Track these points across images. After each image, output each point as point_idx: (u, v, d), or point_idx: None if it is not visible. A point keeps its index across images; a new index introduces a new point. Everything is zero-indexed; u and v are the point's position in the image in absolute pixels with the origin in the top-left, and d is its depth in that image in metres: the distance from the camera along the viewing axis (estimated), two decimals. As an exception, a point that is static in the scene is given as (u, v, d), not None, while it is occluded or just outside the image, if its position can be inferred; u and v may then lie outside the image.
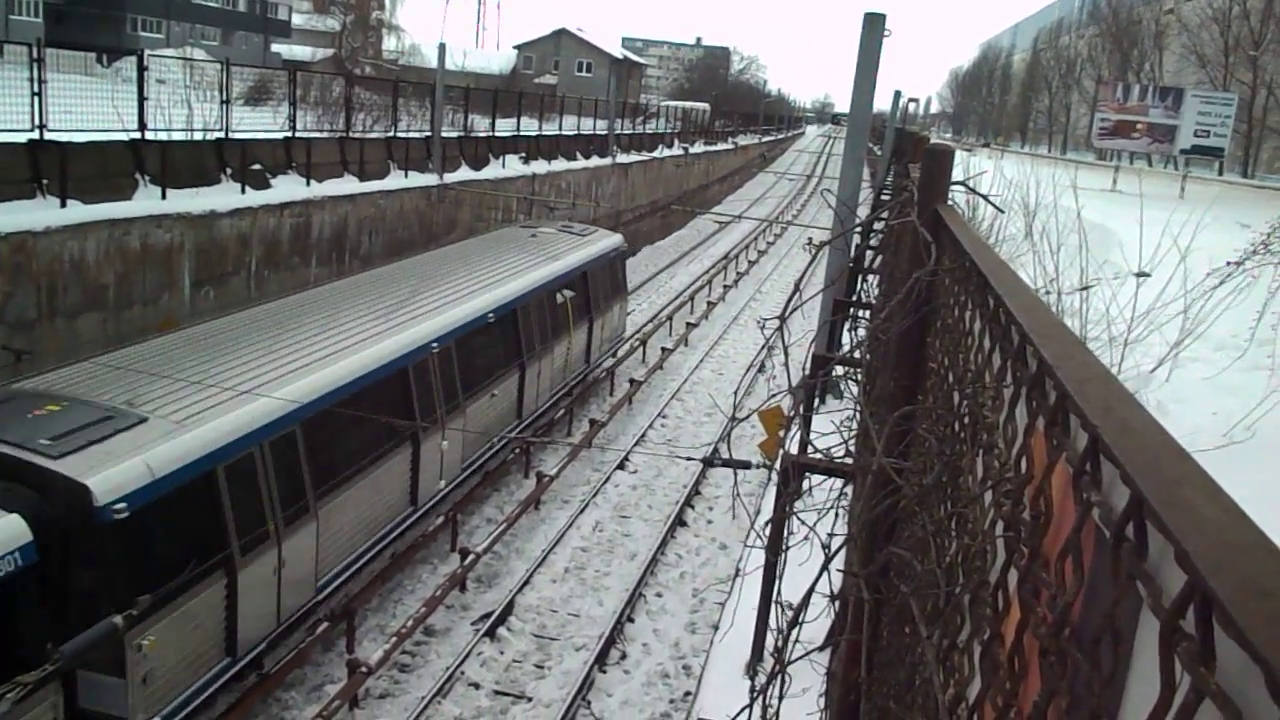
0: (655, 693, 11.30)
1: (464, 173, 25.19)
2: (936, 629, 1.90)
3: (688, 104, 71.17)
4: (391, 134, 23.62)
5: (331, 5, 71.52)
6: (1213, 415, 8.85)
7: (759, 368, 23.86)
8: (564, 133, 34.86)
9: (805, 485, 5.53)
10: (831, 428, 4.60)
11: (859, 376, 6.64)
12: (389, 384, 11.89)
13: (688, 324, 26.74)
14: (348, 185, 20.32)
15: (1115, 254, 13.17)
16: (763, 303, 31.89)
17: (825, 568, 2.81)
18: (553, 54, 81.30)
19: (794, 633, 2.84)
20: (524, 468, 16.44)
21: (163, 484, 8.06)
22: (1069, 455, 1.18)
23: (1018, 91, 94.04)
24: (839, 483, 5.22)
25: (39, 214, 13.22)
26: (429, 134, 24.40)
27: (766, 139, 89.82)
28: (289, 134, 19.50)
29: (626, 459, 17.47)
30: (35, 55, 13.88)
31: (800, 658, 2.90)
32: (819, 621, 3.12)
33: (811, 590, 2.73)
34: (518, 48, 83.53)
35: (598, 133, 37.32)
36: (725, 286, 33.18)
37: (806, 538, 3.26)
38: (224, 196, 16.68)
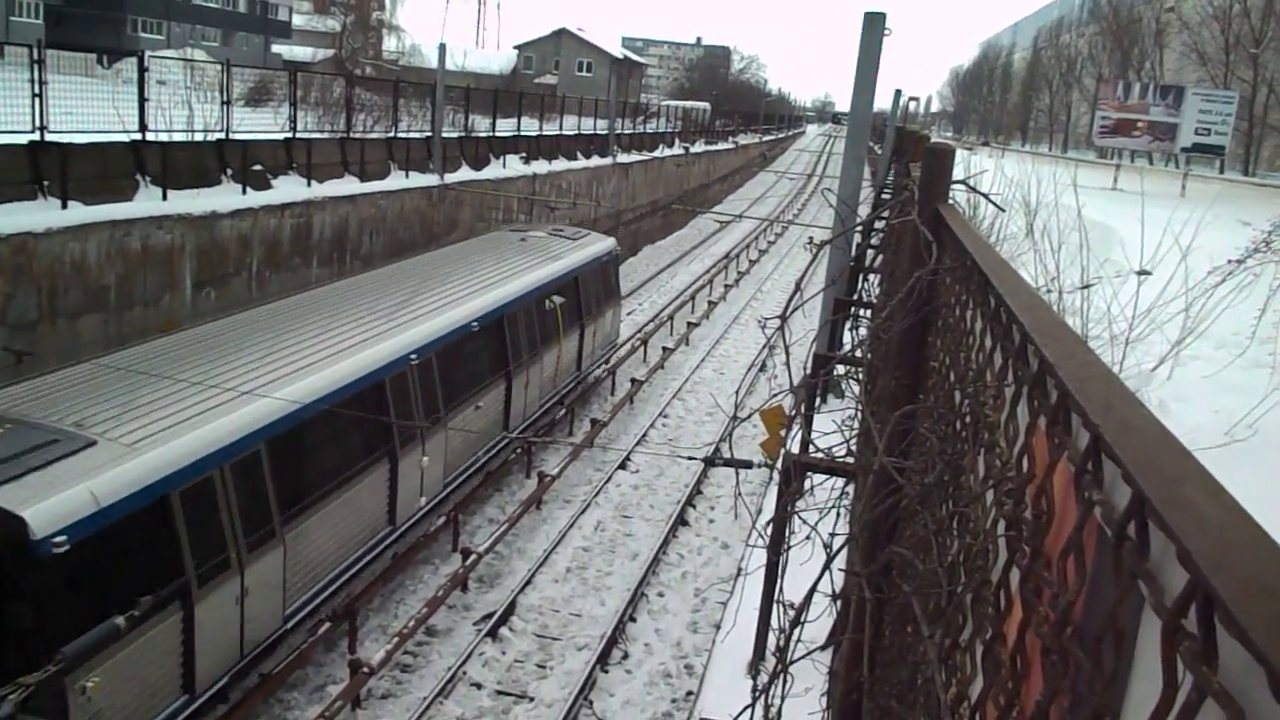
0: (657, 692, 11.30)
1: (465, 173, 25.17)
2: (939, 628, 1.90)
3: (688, 103, 71.23)
4: (392, 134, 23.61)
5: (332, 6, 71.59)
6: (1214, 413, 8.84)
7: (760, 367, 23.94)
8: (564, 133, 34.84)
9: (807, 485, 5.54)
10: (833, 427, 4.60)
11: (860, 376, 6.64)
12: (364, 398, 11.19)
13: (689, 323, 26.69)
14: (348, 186, 20.29)
15: (1116, 252, 13.17)
16: (764, 302, 31.89)
17: (827, 567, 2.81)
18: (553, 54, 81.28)
19: (796, 632, 2.84)
20: (525, 468, 16.45)
21: (110, 513, 7.47)
22: (1070, 454, 1.18)
23: (1018, 90, 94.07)
24: (840, 482, 5.22)
25: (40, 215, 13.20)
26: (430, 134, 24.39)
27: (767, 138, 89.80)
28: (290, 135, 19.48)
29: (628, 459, 17.46)
30: (36, 56, 13.87)
31: (802, 657, 2.90)
32: (821, 621, 3.12)
33: (813, 589, 2.73)
34: (518, 48, 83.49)
35: (598, 132, 37.29)
36: (726, 286, 33.16)
37: (808, 537, 3.26)
38: (225, 197, 16.67)
